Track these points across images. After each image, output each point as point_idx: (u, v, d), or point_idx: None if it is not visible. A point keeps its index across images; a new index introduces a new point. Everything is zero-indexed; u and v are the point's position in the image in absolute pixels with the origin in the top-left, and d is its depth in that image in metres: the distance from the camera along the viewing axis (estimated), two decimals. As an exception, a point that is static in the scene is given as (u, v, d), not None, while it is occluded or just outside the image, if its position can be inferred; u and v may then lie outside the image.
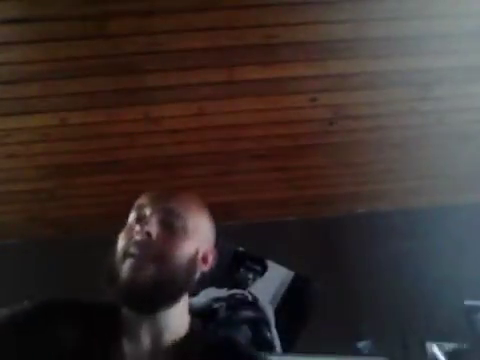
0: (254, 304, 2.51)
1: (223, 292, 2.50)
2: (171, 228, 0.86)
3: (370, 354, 2.44)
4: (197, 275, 0.89)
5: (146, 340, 0.85)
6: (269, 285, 2.59)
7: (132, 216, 0.90)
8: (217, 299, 2.48)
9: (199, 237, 0.89)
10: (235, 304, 2.49)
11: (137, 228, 0.84)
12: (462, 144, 2.39)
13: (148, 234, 0.83)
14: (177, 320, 0.88)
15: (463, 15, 1.74)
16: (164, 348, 0.85)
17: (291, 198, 2.70)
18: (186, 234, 0.86)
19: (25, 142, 2.09)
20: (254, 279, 2.60)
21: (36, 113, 1.94)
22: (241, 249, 2.65)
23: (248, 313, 2.49)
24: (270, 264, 2.62)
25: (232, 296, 2.51)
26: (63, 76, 1.79)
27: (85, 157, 2.21)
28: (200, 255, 0.89)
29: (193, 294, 2.42)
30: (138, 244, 0.82)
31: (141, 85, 1.87)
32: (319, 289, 2.55)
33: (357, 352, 2.46)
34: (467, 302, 2.59)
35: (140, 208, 0.89)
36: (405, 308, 2.49)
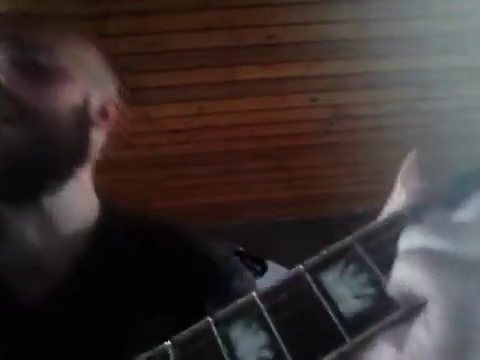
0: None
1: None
2: (33, 68, 0.56)
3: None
4: (96, 136, 0.64)
5: (31, 241, 0.59)
6: (269, 285, 2.59)
7: None
8: (217, 299, 2.48)
9: (86, 79, 0.61)
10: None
11: None
12: (462, 144, 2.39)
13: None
14: (76, 205, 0.63)
15: (463, 15, 1.74)
16: (60, 248, 0.60)
17: (291, 198, 2.70)
18: (60, 76, 0.58)
19: (25, 142, 2.09)
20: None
21: (36, 113, 1.94)
22: (241, 249, 2.65)
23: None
24: (270, 264, 2.62)
25: (232, 296, 2.51)
26: (63, 76, 1.79)
27: (85, 157, 2.21)
28: (94, 107, 0.62)
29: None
30: None
31: (141, 85, 1.87)
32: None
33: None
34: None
35: None
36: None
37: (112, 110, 0.67)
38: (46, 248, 0.60)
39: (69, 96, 0.59)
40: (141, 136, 2.12)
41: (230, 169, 2.40)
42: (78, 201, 0.63)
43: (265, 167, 2.42)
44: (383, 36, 1.78)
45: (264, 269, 2.62)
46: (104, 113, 0.65)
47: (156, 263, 0.62)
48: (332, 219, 2.76)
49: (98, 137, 0.65)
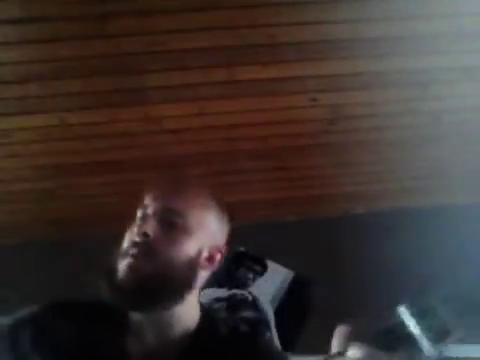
0: (254, 304, 2.51)
1: (223, 292, 2.50)
2: (170, 227, 0.84)
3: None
4: (202, 274, 0.88)
5: (151, 338, 0.84)
6: (269, 285, 2.59)
7: (138, 214, 0.89)
8: (217, 299, 2.48)
9: (203, 235, 0.87)
10: (235, 304, 2.49)
11: (136, 229, 0.85)
12: (462, 144, 2.39)
13: (145, 234, 0.83)
14: (183, 318, 0.87)
15: (462, 15, 1.74)
16: (170, 345, 0.84)
17: (291, 198, 2.70)
18: (186, 233, 0.85)
19: (25, 142, 2.09)
20: (254, 279, 2.60)
21: (36, 113, 1.94)
22: (241, 249, 2.65)
23: (248, 313, 2.49)
24: (270, 264, 2.62)
25: (232, 296, 2.51)
26: (63, 76, 1.80)
27: (85, 157, 2.21)
28: (205, 254, 0.87)
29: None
30: (135, 245, 0.83)
31: (141, 85, 1.87)
32: (319, 289, 2.56)
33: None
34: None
35: (144, 207, 0.88)
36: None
37: (217, 256, 0.90)
38: (159, 345, 0.84)
39: (188, 248, 0.85)
40: (141, 136, 2.13)
41: (230, 169, 2.40)
42: (185, 315, 0.88)
43: (265, 167, 2.42)
44: (383, 36, 1.78)
45: (264, 269, 2.62)
46: (211, 258, 0.89)
47: None
48: (332, 219, 2.76)
49: (203, 274, 0.90)
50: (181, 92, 1.92)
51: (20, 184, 2.34)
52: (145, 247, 0.82)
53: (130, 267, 0.81)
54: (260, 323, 2.48)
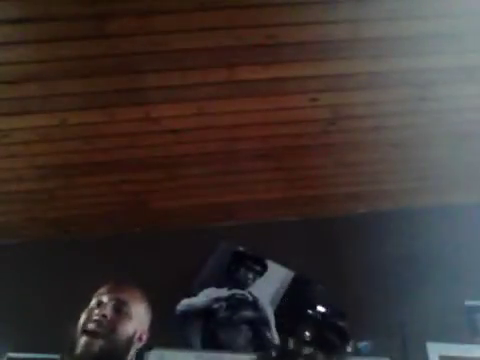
0: (254, 304, 2.51)
1: (223, 292, 2.50)
2: (120, 312, 1.18)
3: (370, 354, 2.44)
4: (133, 349, 1.20)
5: None
6: (269, 285, 2.58)
7: (93, 301, 1.21)
8: (217, 299, 2.47)
9: (138, 321, 1.21)
10: (235, 304, 2.49)
11: (96, 311, 1.17)
12: (461, 144, 2.39)
13: (104, 316, 1.15)
14: None
15: (463, 15, 1.74)
16: None
17: (291, 198, 2.70)
18: (130, 318, 1.19)
19: (25, 142, 2.09)
20: (254, 279, 2.60)
21: (36, 113, 1.94)
22: (241, 249, 2.65)
23: (248, 313, 2.49)
24: (270, 264, 2.62)
25: (232, 296, 2.51)
26: (63, 76, 1.80)
27: (85, 157, 2.21)
28: (137, 334, 1.21)
29: (193, 294, 2.43)
30: (95, 322, 1.13)
31: (141, 85, 1.87)
32: (319, 289, 2.55)
33: (357, 352, 2.46)
34: (467, 302, 2.59)
35: (100, 295, 1.22)
36: (405, 308, 2.49)
37: (144, 336, 1.24)
38: None
39: (129, 329, 1.18)
40: (141, 136, 2.13)
41: (230, 169, 2.40)
42: None
43: (265, 167, 2.42)
44: (383, 36, 1.78)
45: (264, 269, 2.62)
46: (141, 338, 1.23)
47: None
48: (332, 219, 2.76)
49: (134, 348, 1.21)
50: (181, 92, 1.92)
51: (20, 184, 2.34)
52: (101, 325, 1.13)
53: (87, 343, 1.09)
54: (260, 323, 2.48)
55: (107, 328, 1.13)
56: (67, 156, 2.20)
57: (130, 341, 1.18)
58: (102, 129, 2.06)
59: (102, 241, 2.57)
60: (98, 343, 1.09)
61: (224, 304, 2.48)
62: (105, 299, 1.20)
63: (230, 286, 2.54)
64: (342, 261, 2.64)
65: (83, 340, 1.09)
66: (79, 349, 1.08)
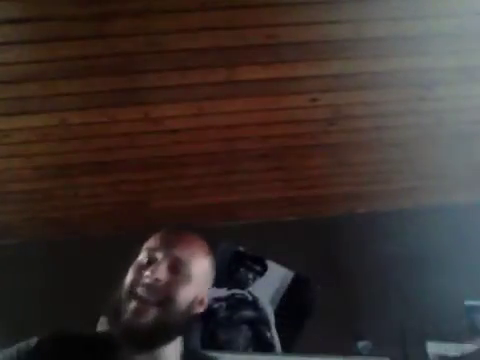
0: (254, 304, 2.51)
1: (223, 292, 2.50)
2: (177, 275, 0.93)
3: (370, 354, 2.44)
4: (193, 317, 0.96)
5: None
6: (269, 285, 2.59)
7: (143, 256, 0.96)
8: (217, 299, 2.48)
9: (199, 283, 0.96)
10: (235, 304, 2.49)
11: (148, 272, 0.91)
12: (462, 144, 2.39)
13: (157, 280, 0.90)
14: (171, 356, 0.95)
15: (463, 15, 1.74)
16: None
17: (291, 198, 2.70)
18: (189, 281, 0.94)
19: (25, 142, 2.09)
20: (254, 279, 2.60)
21: (36, 113, 1.94)
22: (241, 249, 2.65)
23: (248, 313, 2.49)
24: (270, 264, 2.62)
25: (232, 296, 2.51)
26: (63, 76, 1.79)
27: (85, 157, 2.21)
28: (198, 299, 0.96)
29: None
30: (147, 287, 0.89)
31: (141, 85, 1.87)
32: (319, 289, 2.55)
33: (357, 352, 2.46)
34: (467, 302, 2.59)
35: (152, 250, 0.95)
36: (405, 308, 2.49)
37: (205, 300, 0.99)
38: None
39: (189, 293, 0.93)
40: (141, 136, 2.12)
41: (230, 169, 2.40)
42: (172, 353, 0.96)
43: (265, 167, 2.42)
44: (383, 36, 1.78)
45: (264, 269, 2.62)
46: (201, 302, 0.98)
47: None
48: (332, 219, 2.76)
49: (195, 316, 0.97)
50: (181, 92, 1.92)
51: (20, 184, 2.34)
52: (154, 291, 0.89)
53: (138, 310, 0.87)
54: (260, 323, 2.48)
55: (162, 295, 0.89)
56: (67, 156, 2.20)
57: (189, 308, 0.94)
58: (102, 129, 2.06)
59: (102, 241, 2.57)
60: (151, 313, 0.87)
61: (224, 304, 2.48)
62: (159, 256, 0.94)
63: (230, 286, 2.54)
64: (342, 261, 2.64)
65: (132, 306, 0.88)
66: (128, 315, 0.87)
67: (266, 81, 1.91)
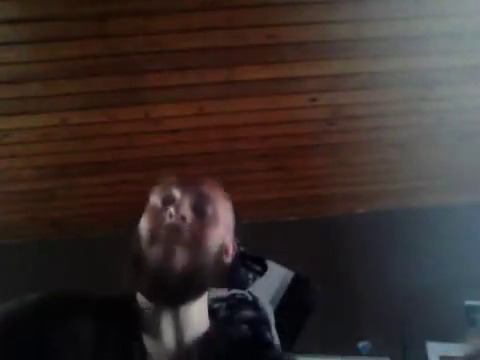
0: (254, 304, 2.50)
1: (223, 292, 2.50)
2: (203, 214, 0.79)
3: (370, 354, 2.44)
4: (222, 267, 0.82)
5: (168, 336, 0.76)
6: (269, 285, 2.58)
7: (156, 197, 0.83)
8: (217, 299, 2.47)
9: (225, 225, 0.83)
10: (235, 304, 2.49)
11: (171, 210, 0.76)
12: (462, 144, 2.39)
13: (183, 218, 0.76)
14: (199, 315, 0.81)
15: (464, 15, 1.74)
16: (187, 345, 0.77)
17: (291, 198, 2.70)
18: (216, 221, 0.80)
19: (25, 142, 2.09)
20: (254, 279, 2.60)
21: (36, 113, 1.94)
22: (241, 249, 2.65)
23: (248, 313, 2.48)
24: (270, 264, 2.62)
25: (232, 296, 2.50)
26: (63, 76, 1.79)
27: (85, 157, 2.21)
28: (225, 246, 0.82)
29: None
30: (171, 228, 0.75)
31: (141, 85, 1.87)
32: (319, 289, 2.55)
33: (357, 352, 2.46)
34: (467, 302, 2.59)
35: (167, 189, 0.82)
36: (405, 308, 2.49)
37: (231, 248, 0.85)
38: (177, 347, 0.77)
39: (217, 236, 0.79)
40: (141, 136, 2.12)
41: (230, 169, 2.40)
42: (201, 311, 0.82)
43: (265, 167, 2.42)
44: (383, 36, 1.78)
45: (264, 269, 2.62)
46: (227, 250, 0.83)
47: None
48: (332, 219, 2.76)
49: (224, 267, 0.83)
50: (181, 92, 1.92)
51: (20, 184, 2.34)
52: (181, 232, 0.75)
53: (164, 253, 0.72)
54: (260, 323, 2.47)
55: (189, 236, 0.75)
56: (67, 156, 2.20)
57: (219, 254, 0.80)
58: (102, 129, 2.06)
59: (102, 241, 2.57)
60: (180, 256, 0.72)
61: (224, 304, 2.48)
62: (178, 194, 0.80)
63: (230, 286, 2.54)
64: (342, 261, 2.64)
65: (157, 250, 0.73)
66: (153, 261, 0.72)
67: (266, 81, 1.91)
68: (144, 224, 0.78)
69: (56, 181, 2.35)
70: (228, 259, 0.83)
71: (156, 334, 0.76)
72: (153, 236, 0.75)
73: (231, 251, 0.84)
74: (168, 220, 0.76)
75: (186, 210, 0.77)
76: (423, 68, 1.94)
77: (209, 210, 0.80)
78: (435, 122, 2.22)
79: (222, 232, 0.81)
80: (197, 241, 0.76)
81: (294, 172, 2.49)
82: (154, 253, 0.73)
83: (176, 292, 0.73)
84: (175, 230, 0.75)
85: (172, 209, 0.76)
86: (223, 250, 0.81)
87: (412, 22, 1.74)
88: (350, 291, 2.53)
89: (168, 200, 0.80)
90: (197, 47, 1.74)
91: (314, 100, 2.02)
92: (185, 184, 0.82)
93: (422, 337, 2.46)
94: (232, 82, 1.89)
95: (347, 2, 1.65)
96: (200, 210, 0.79)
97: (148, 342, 0.75)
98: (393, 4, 1.67)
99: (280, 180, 2.54)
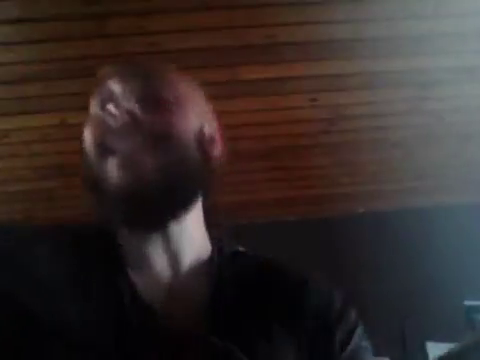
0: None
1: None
2: (159, 101, 0.61)
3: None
4: (212, 164, 0.67)
5: (159, 267, 0.61)
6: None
7: (95, 103, 0.64)
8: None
9: (196, 109, 0.66)
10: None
11: (110, 109, 0.58)
12: (462, 144, 2.39)
13: (130, 114, 0.59)
14: (196, 233, 0.65)
15: (464, 15, 1.73)
16: (185, 274, 0.62)
17: (291, 198, 2.70)
18: (179, 106, 0.62)
19: (25, 142, 2.09)
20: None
21: (36, 113, 1.94)
22: (241, 249, 2.65)
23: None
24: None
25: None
26: (63, 76, 1.79)
27: (85, 157, 2.21)
28: (207, 134, 0.66)
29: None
30: (118, 131, 0.57)
31: (141, 85, 1.87)
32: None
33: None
34: (467, 302, 2.59)
35: (104, 86, 0.65)
36: (405, 308, 2.49)
37: (218, 137, 0.70)
38: (169, 279, 0.61)
39: (189, 123, 0.62)
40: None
41: (230, 169, 2.40)
42: (196, 230, 0.65)
43: (265, 167, 2.42)
44: (383, 36, 1.78)
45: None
46: (213, 140, 0.67)
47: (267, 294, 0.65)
48: (332, 219, 2.76)
49: (212, 164, 0.67)
50: (181, 92, 1.91)
51: (20, 184, 2.34)
52: (134, 132, 0.58)
53: (122, 166, 0.56)
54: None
55: (146, 134, 0.58)
56: (67, 156, 2.20)
57: (200, 146, 0.63)
58: (102, 129, 2.06)
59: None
60: (145, 162, 0.56)
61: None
62: (118, 87, 0.63)
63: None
64: (342, 261, 2.64)
65: (112, 164, 0.56)
66: (111, 179, 0.56)
67: (266, 81, 1.91)
68: (87, 137, 0.59)
69: (56, 181, 2.35)
70: (218, 150, 0.69)
71: (145, 267, 0.61)
72: (101, 148, 0.57)
73: (218, 139, 0.70)
74: (111, 123, 0.58)
75: (131, 103, 0.60)
76: (423, 68, 1.94)
77: (165, 95, 0.62)
78: (435, 122, 2.22)
79: (193, 118, 0.64)
80: (159, 136, 0.58)
81: (294, 172, 2.49)
82: (109, 169, 0.56)
83: (155, 208, 0.58)
84: (122, 133, 0.57)
85: (111, 106, 0.59)
86: (205, 141, 0.65)
87: (412, 22, 1.74)
88: (349, 291, 2.53)
89: (108, 98, 0.62)
90: (197, 47, 1.74)
91: (314, 100, 2.02)
92: (125, 73, 0.65)
93: (422, 337, 2.46)
94: (232, 82, 1.89)
95: (347, 2, 1.65)
96: (153, 99, 0.61)
97: (136, 277, 0.59)
98: (393, 4, 1.67)
99: (280, 180, 2.54)
